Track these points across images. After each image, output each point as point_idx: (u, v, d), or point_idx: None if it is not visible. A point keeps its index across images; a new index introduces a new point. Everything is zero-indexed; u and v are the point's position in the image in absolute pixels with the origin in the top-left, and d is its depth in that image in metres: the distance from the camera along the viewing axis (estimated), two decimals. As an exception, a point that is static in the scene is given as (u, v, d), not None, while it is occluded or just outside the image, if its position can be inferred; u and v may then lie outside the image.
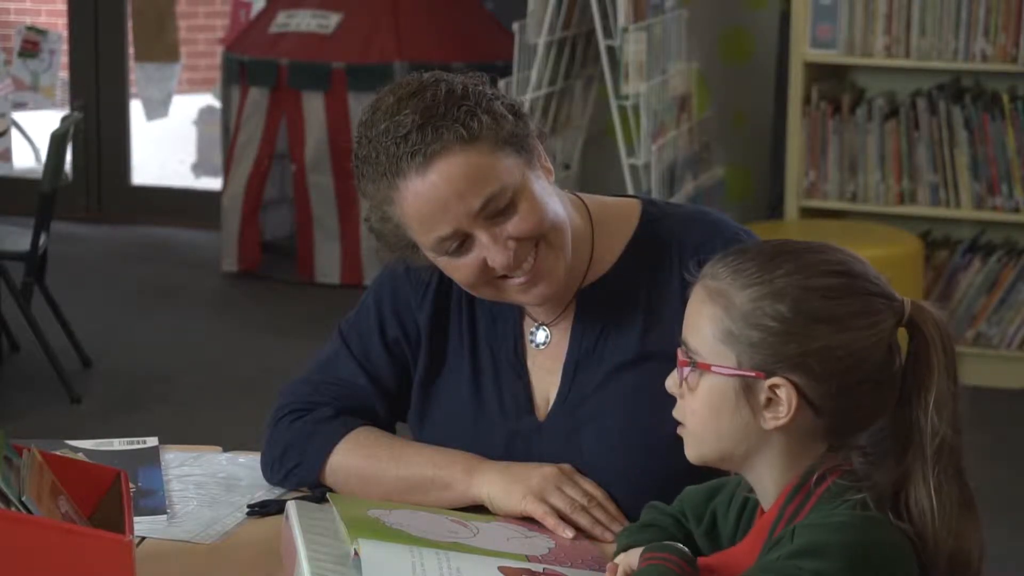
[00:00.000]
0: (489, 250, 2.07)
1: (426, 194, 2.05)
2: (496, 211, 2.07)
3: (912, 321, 1.74)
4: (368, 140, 2.08)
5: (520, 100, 2.24)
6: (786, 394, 1.71)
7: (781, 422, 1.72)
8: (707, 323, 1.74)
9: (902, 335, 1.75)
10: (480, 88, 2.10)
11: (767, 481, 1.77)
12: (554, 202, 2.13)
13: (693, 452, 1.79)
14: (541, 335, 2.24)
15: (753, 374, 1.72)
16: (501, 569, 1.90)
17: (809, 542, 1.66)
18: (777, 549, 1.68)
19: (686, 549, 1.81)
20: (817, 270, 1.72)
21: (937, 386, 1.72)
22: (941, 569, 1.72)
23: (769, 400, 1.72)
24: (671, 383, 1.80)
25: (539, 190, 2.11)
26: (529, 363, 2.24)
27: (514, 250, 2.08)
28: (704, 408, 1.76)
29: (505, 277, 2.11)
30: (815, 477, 1.72)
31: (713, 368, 1.74)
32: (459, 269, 2.11)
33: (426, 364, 2.28)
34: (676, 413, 1.79)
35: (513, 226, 2.08)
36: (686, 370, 1.76)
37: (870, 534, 1.67)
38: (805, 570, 1.64)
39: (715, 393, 1.74)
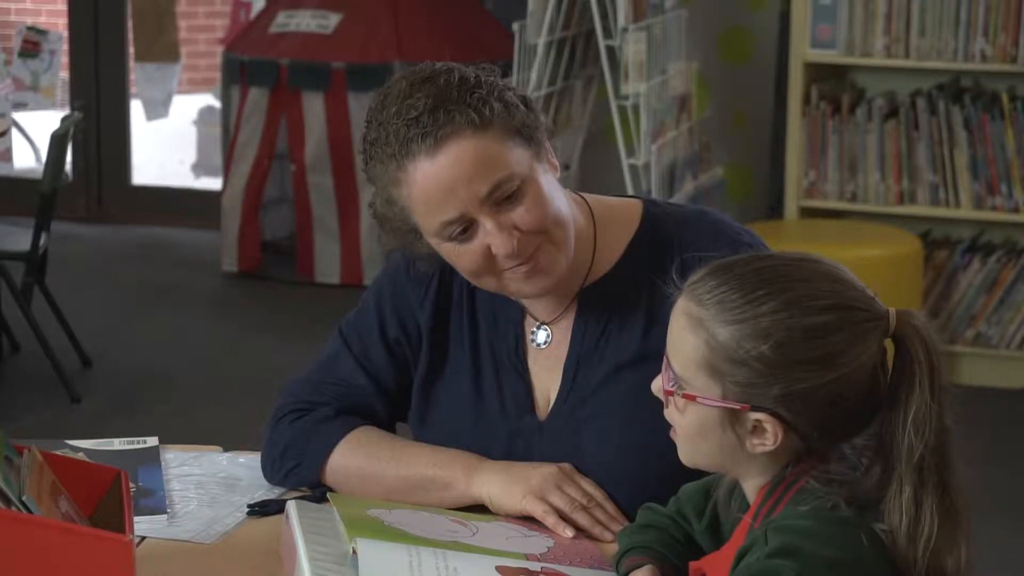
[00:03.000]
0: (494, 238, 2.07)
1: (434, 176, 2.05)
2: (502, 198, 2.06)
3: (897, 335, 1.72)
4: (378, 123, 2.09)
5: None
6: (772, 427, 1.71)
7: (768, 449, 1.73)
8: (691, 351, 1.73)
9: (889, 345, 1.73)
10: (492, 78, 2.10)
11: (750, 485, 1.79)
12: (559, 198, 2.13)
13: (685, 459, 1.81)
14: (542, 335, 2.24)
15: (738, 407, 1.71)
16: (499, 569, 1.90)
17: (783, 543, 1.66)
18: (754, 551, 1.69)
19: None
20: (803, 307, 1.69)
21: (917, 403, 1.69)
22: None
23: (755, 427, 1.72)
24: (656, 387, 1.80)
25: (546, 184, 2.11)
26: (530, 362, 2.24)
27: (518, 239, 2.08)
28: (691, 430, 1.76)
29: (508, 268, 2.11)
30: (789, 478, 1.73)
31: (698, 399, 1.73)
32: (462, 256, 2.11)
33: (427, 364, 2.28)
34: (667, 416, 1.80)
35: (518, 216, 2.08)
36: (671, 397, 1.77)
37: (832, 533, 1.67)
38: (788, 567, 1.65)
39: (701, 419, 1.74)
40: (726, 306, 1.71)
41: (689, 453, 1.79)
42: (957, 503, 1.71)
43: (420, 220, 2.10)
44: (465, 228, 2.08)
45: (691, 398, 1.73)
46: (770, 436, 1.71)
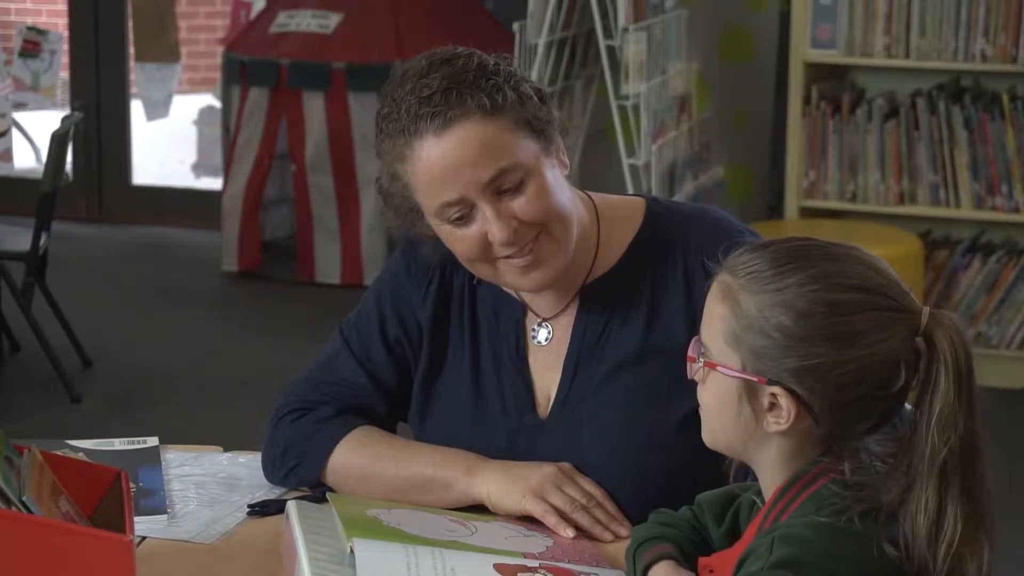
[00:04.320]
0: (492, 225, 2.07)
1: (439, 156, 2.06)
2: (504, 187, 2.07)
3: (927, 334, 1.71)
4: (393, 98, 2.10)
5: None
6: (786, 403, 1.71)
7: (782, 427, 1.72)
8: (717, 322, 1.75)
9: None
10: (511, 68, 2.11)
11: (767, 478, 1.78)
12: (564, 194, 2.13)
13: (706, 438, 1.81)
14: (543, 332, 2.24)
15: (755, 379, 1.72)
16: (496, 567, 1.90)
17: (786, 555, 1.66)
18: (757, 559, 1.68)
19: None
20: (829, 283, 1.70)
21: (940, 403, 1.69)
22: None
23: (772, 404, 1.72)
24: (690, 370, 1.81)
25: (551, 178, 2.11)
26: (531, 360, 2.24)
27: (516, 229, 2.08)
28: (712, 402, 1.77)
29: (504, 257, 2.11)
30: (805, 479, 1.73)
31: (718, 368, 1.74)
32: (459, 240, 2.11)
33: (427, 363, 2.28)
34: (698, 396, 1.81)
35: (519, 206, 2.08)
36: (695, 365, 1.77)
37: (838, 548, 1.66)
38: None
39: (721, 390, 1.75)
40: (756, 277, 1.72)
41: (710, 431, 1.79)
42: (982, 508, 1.71)
43: (421, 199, 2.11)
44: (465, 212, 2.08)
45: (712, 366, 1.75)
46: (784, 412, 1.71)
